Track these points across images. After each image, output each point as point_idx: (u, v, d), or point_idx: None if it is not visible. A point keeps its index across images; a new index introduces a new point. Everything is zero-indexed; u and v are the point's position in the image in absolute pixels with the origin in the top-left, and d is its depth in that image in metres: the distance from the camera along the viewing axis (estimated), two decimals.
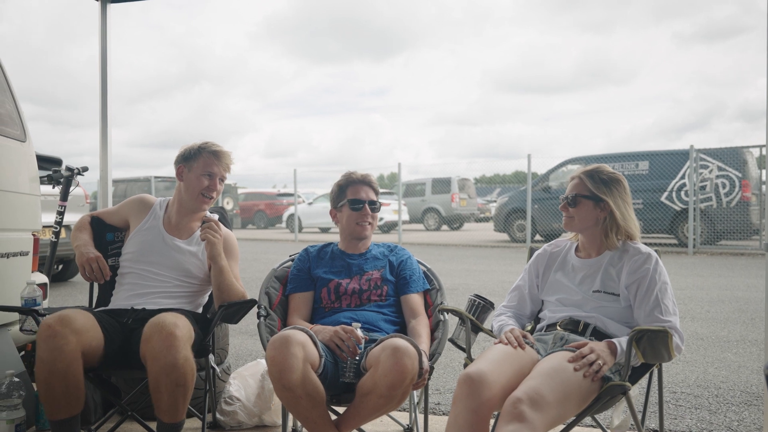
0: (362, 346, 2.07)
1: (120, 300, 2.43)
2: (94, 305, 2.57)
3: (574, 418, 1.84)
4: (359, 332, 2.08)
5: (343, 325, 2.14)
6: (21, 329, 2.36)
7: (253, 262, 9.99)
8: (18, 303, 2.36)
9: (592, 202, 2.14)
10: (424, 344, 2.20)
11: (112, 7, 3.34)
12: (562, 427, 1.88)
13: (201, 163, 2.46)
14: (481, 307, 2.23)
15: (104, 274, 2.36)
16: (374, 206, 2.46)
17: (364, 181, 2.47)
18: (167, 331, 2.02)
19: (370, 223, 2.45)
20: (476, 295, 2.28)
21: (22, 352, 2.76)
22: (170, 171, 2.64)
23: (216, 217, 2.47)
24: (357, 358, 2.06)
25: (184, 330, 2.08)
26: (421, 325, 2.30)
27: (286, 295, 2.45)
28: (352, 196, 2.44)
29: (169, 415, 2.06)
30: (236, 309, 2.37)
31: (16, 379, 2.23)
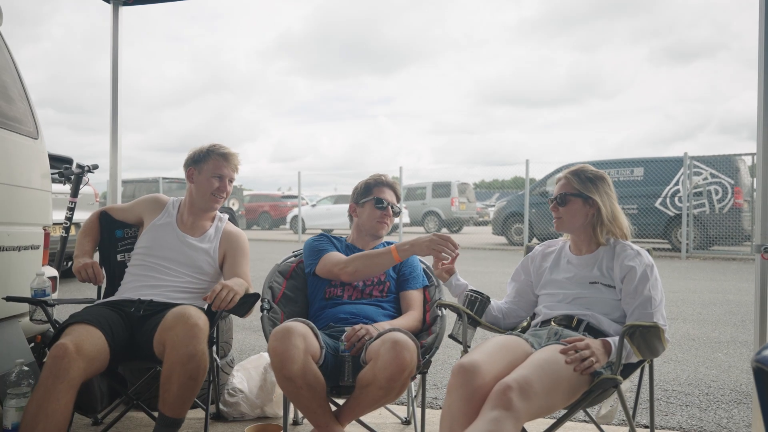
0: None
1: (128, 290, 2.47)
2: (102, 296, 2.63)
3: (566, 411, 1.87)
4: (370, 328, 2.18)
5: (437, 234, 2.28)
6: (31, 319, 2.41)
7: (258, 261, 9.99)
8: (29, 295, 2.42)
9: (580, 200, 2.19)
10: (392, 325, 2.24)
11: (123, 10, 3.42)
12: (552, 421, 1.93)
13: (210, 166, 2.54)
14: (478, 301, 2.23)
15: (97, 279, 2.42)
16: (395, 210, 2.59)
17: (391, 185, 2.61)
18: (192, 322, 2.07)
19: (387, 224, 2.58)
20: (471, 289, 2.28)
21: (32, 344, 2.81)
22: (179, 173, 2.71)
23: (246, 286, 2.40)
24: (363, 342, 2.14)
25: (205, 325, 2.14)
26: (406, 317, 2.39)
27: (308, 272, 2.53)
28: (379, 195, 2.56)
29: (173, 409, 2.07)
30: (240, 302, 2.42)
31: (26, 368, 2.27)
